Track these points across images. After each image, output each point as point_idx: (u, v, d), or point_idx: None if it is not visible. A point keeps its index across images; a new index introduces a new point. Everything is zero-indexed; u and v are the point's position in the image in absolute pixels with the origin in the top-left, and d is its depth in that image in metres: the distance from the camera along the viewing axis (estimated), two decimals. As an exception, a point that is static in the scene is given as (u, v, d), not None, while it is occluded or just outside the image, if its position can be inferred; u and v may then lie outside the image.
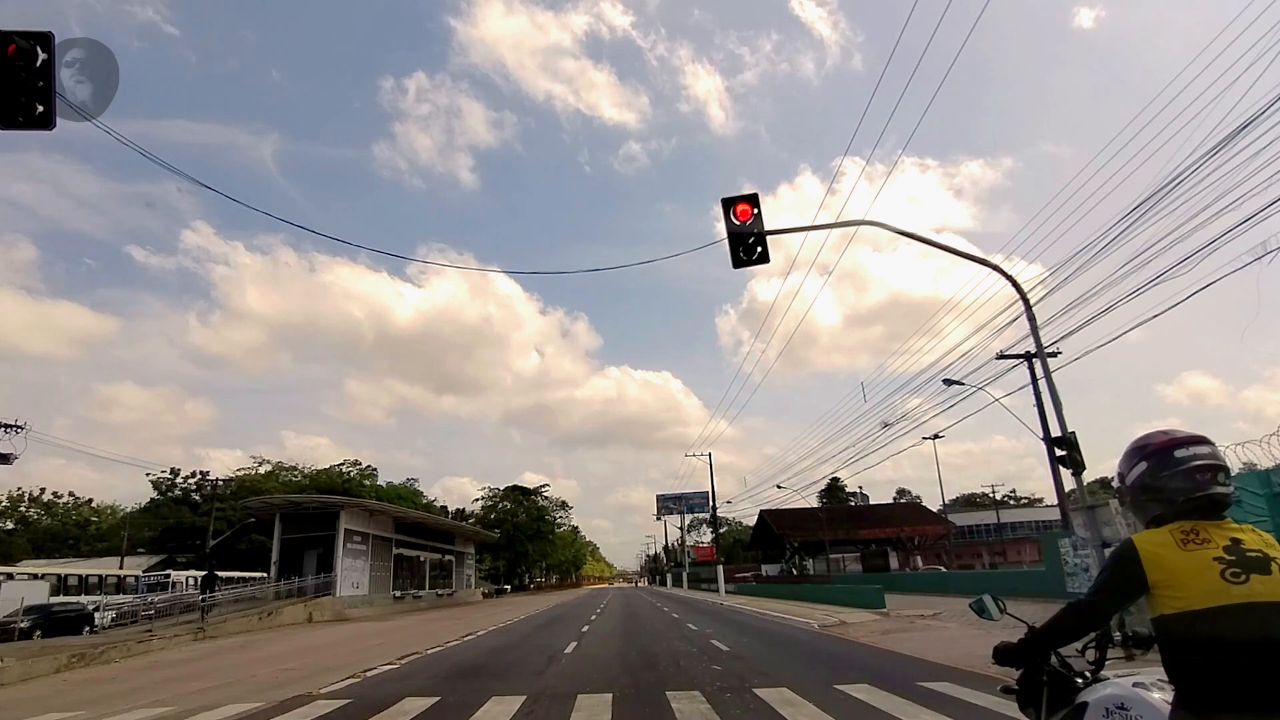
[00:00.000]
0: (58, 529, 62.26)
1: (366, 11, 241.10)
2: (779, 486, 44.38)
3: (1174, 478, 1.81)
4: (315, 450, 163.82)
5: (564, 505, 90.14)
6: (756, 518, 64.69)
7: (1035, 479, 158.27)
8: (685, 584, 64.44)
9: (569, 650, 13.27)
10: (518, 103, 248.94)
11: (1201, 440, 1.85)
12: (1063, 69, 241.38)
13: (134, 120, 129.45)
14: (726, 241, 9.76)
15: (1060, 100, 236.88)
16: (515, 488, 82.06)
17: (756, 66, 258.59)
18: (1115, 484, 2.06)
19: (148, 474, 56.40)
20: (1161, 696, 1.79)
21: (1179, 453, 1.82)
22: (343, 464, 66.67)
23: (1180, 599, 1.67)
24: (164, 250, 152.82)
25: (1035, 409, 19.44)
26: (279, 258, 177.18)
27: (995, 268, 12.20)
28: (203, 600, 26.83)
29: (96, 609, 26.48)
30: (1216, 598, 1.64)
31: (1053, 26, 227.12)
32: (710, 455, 49.22)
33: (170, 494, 57.30)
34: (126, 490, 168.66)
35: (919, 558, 53.59)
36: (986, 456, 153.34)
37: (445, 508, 74.77)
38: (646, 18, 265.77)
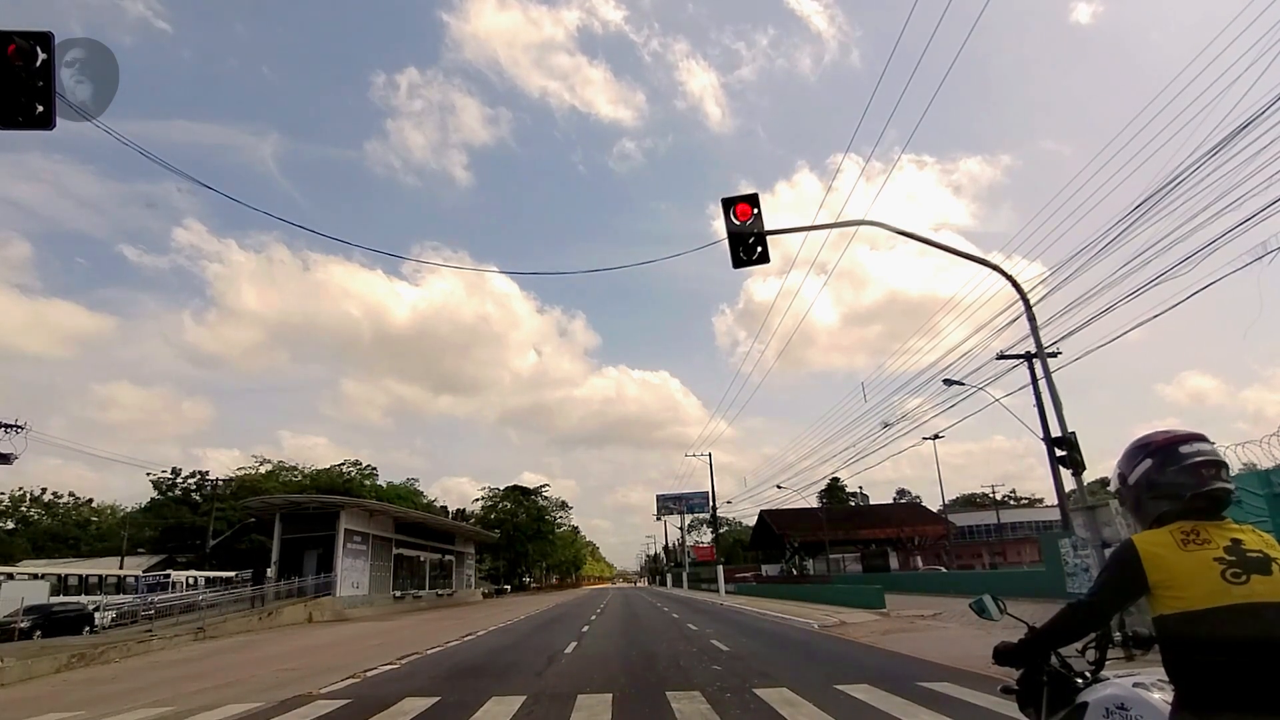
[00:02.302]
0: (58, 529, 62.27)
1: (358, 5, 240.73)
2: (779, 486, 44.39)
3: (1180, 473, 1.80)
4: (313, 450, 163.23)
5: (564, 505, 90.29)
6: (756, 518, 64.67)
7: (1035, 479, 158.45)
8: (685, 584, 64.43)
9: (569, 650, 13.27)
10: (512, 99, 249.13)
11: (1202, 438, 1.86)
12: (1060, 65, 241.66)
13: (133, 120, 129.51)
14: (726, 241, 9.77)
15: (1058, 96, 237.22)
16: (515, 488, 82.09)
17: (753, 62, 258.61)
18: (1115, 486, 2.04)
19: (148, 474, 56.49)
20: (1161, 697, 1.79)
21: (1183, 449, 1.82)
22: (343, 464, 66.74)
23: (1180, 599, 1.67)
24: (160, 250, 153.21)
25: (1035, 409, 19.47)
26: (273, 256, 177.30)
27: (995, 268, 12.19)
28: (254, 592, 30.31)
29: (96, 609, 26.47)
30: (1217, 598, 1.64)
31: (1049, 21, 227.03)
32: (710, 455, 49.30)
33: (170, 494, 57.29)
34: (124, 490, 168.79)
35: (919, 558, 53.58)
36: (986, 456, 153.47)
37: (445, 508, 74.81)
38: (640, 12, 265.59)
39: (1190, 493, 1.79)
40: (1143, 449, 1.90)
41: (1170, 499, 1.82)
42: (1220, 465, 1.80)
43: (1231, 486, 1.83)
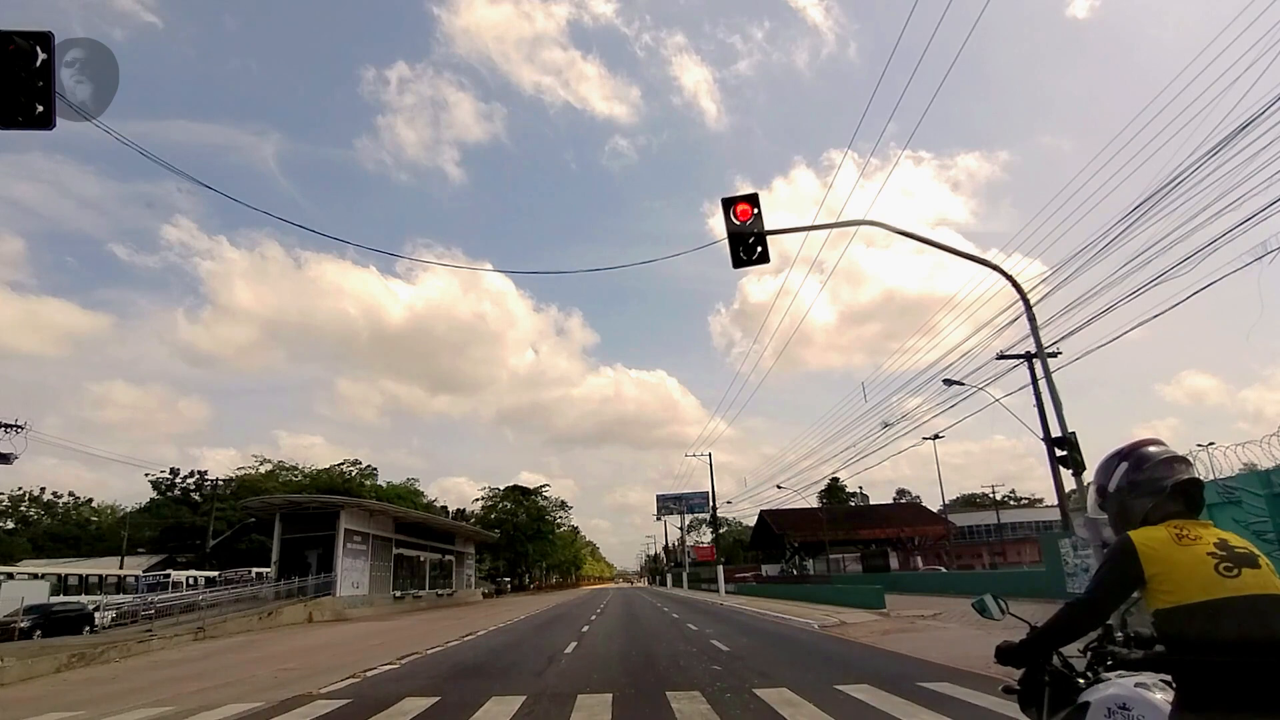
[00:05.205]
0: (58, 529, 62.24)
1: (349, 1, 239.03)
2: (779, 487, 44.41)
3: (1155, 468, 1.93)
4: (310, 450, 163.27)
5: (564, 505, 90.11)
6: (756, 518, 64.73)
7: (1035, 479, 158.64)
8: (685, 584, 64.44)
9: (569, 650, 13.26)
10: (506, 95, 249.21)
11: (1161, 441, 2.03)
12: (1057, 59, 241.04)
13: (132, 120, 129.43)
14: (726, 242, 9.76)
15: (1056, 91, 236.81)
16: (515, 488, 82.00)
17: (749, 57, 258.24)
18: (1093, 502, 2.12)
19: (147, 474, 56.58)
20: (1163, 697, 1.79)
21: (1151, 449, 1.99)
22: (343, 464, 66.67)
23: (1175, 593, 1.73)
24: (154, 248, 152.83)
25: (1035, 409, 19.47)
26: (266, 254, 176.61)
27: (995, 267, 12.19)
28: (298, 583, 31.44)
29: (96, 609, 26.46)
30: (1211, 591, 1.69)
31: (1046, 15, 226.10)
32: (710, 455, 49.33)
33: (169, 494, 57.30)
34: (122, 489, 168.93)
35: (919, 558, 53.58)
36: (986, 456, 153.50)
37: (445, 508, 74.82)
38: (632, 5, 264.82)
39: (1170, 483, 1.90)
40: (1115, 457, 2.03)
41: (1152, 494, 1.92)
42: (1185, 461, 1.95)
43: (1199, 476, 1.97)
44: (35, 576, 31.42)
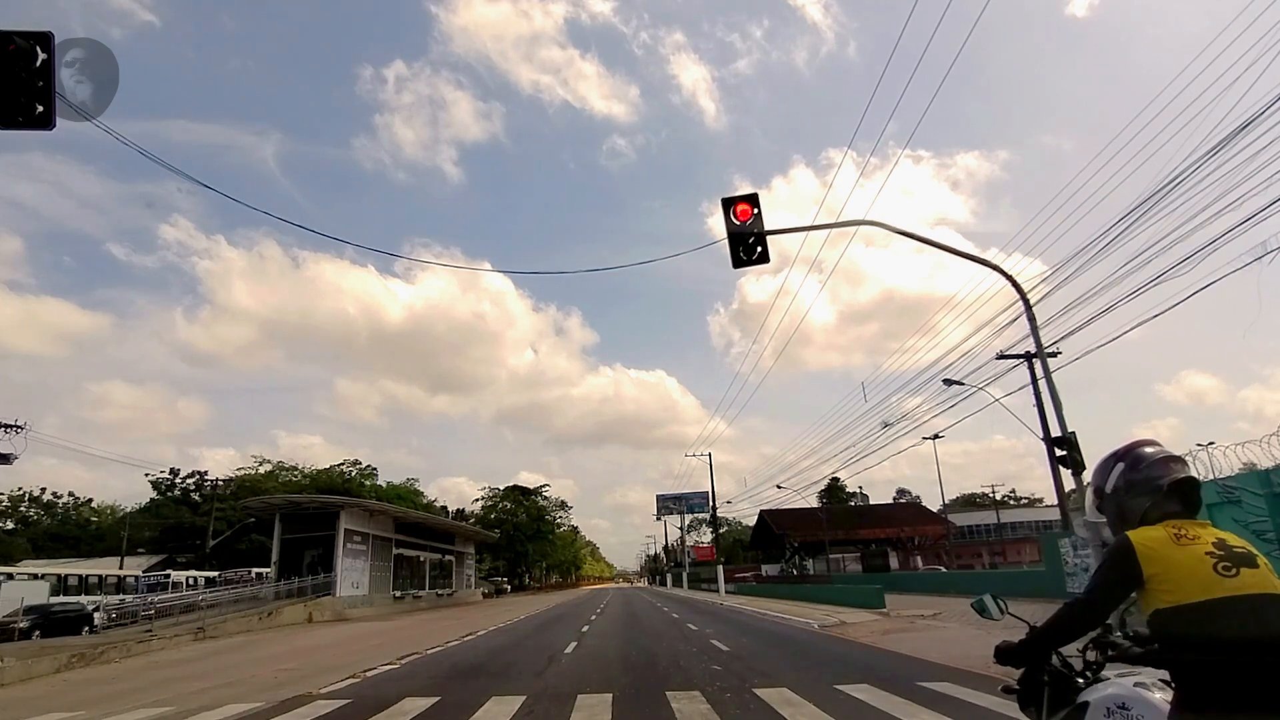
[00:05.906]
0: (57, 529, 62.22)
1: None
2: (779, 486, 44.46)
3: (1151, 468, 1.95)
4: (309, 450, 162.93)
5: (564, 505, 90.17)
6: (756, 518, 64.71)
7: (1035, 479, 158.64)
8: (685, 584, 64.45)
9: (569, 650, 13.27)
10: (504, 94, 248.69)
11: (1157, 442, 2.05)
12: (1057, 59, 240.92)
13: (132, 119, 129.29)
14: (726, 242, 9.77)
15: (1055, 90, 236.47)
16: (515, 488, 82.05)
17: (748, 55, 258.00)
18: (1091, 503, 2.14)
19: (147, 474, 56.56)
20: (1162, 696, 1.80)
21: (1147, 450, 2.00)
22: (343, 464, 66.74)
23: (1174, 593, 1.73)
24: (151, 248, 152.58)
25: (1035, 409, 19.47)
26: (264, 253, 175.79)
27: (994, 267, 12.19)
28: (298, 583, 31.85)
29: (96, 609, 26.44)
30: (1210, 590, 1.69)
31: (1046, 16, 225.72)
32: (710, 455, 49.32)
33: (170, 494, 57.31)
34: (121, 489, 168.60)
35: (919, 558, 53.61)
36: (986, 456, 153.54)
37: (445, 508, 74.84)
38: (629, 3, 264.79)
39: (1166, 482, 1.91)
40: (1112, 458, 2.05)
41: (1149, 493, 1.93)
42: (1181, 461, 1.96)
43: (1195, 475, 1.98)
44: (35, 577, 31.40)
